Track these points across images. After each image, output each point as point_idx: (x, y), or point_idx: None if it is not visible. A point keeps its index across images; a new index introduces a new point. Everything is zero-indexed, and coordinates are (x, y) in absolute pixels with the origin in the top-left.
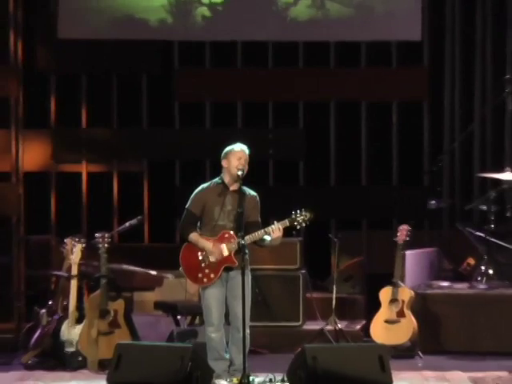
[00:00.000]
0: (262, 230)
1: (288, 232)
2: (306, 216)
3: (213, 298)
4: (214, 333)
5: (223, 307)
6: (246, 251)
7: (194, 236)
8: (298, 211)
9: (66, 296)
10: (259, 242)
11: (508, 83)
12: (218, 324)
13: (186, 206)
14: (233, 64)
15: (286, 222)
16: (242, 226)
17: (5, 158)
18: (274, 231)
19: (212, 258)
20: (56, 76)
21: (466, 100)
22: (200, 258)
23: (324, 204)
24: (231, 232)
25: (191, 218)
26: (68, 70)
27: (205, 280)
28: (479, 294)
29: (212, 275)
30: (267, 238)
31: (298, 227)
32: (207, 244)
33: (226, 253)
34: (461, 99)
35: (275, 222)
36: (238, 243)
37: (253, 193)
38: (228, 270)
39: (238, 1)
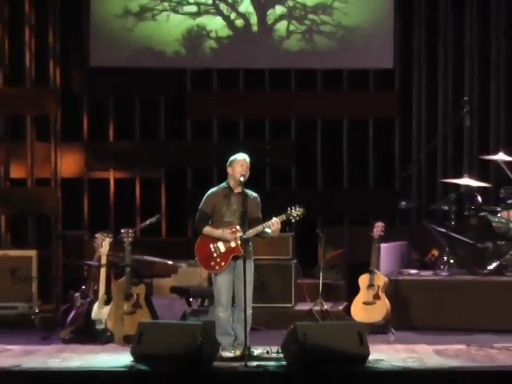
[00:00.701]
0: (263, 224)
1: (282, 227)
2: (299, 211)
3: (223, 283)
4: (222, 312)
5: (231, 291)
6: (250, 243)
7: (207, 229)
8: (293, 207)
9: (97, 282)
10: (261, 235)
11: (466, 104)
12: (227, 305)
13: (200, 207)
14: (236, 87)
15: (283, 217)
16: (246, 223)
17: (45, 167)
18: (274, 224)
19: (222, 247)
20: (88, 97)
21: (430, 117)
22: (212, 249)
23: (312, 204)
24: (237, 227)
25: (204, 217)
26: (98, 93)
27: (216, 267)
28: (442, 280)
29: (223, 263)
30: (268, 230)
31: (293, 221)
32: (220, 232)
33: (233, 244)
34: (426, 117)
35: (273, 218)
36: (241, 237)
37: (254, 194)
38: (235, 258)
39: (240, 35)
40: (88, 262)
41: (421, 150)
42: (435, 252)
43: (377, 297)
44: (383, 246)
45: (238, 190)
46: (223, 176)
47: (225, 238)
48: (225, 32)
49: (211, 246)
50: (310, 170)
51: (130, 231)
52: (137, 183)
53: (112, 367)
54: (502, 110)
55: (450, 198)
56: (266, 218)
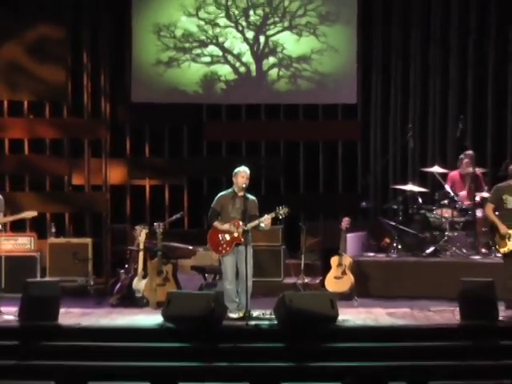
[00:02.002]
0: (258, 219)
1: (273, 222)
2: (285, 210)
3: (228, 263)
4: (229, 285)
5: (235, 269)
6: (249, 233)
7: (216, 223)
8: (280, 207)
9: (136, 262)
10: (257, 228)
11: (410, 130)
12: (232, 279)
13: (212, 205)
14: (239, 118)
15: (273, 214)
16: (246, 218)
17: (98, 176)
18: (266, 220)
19: (228, 236)
20: (130, 125)
21: (383, 140)
22: (220, 238)
23: (296, 204)
24: (240, 222)
25: (215, 213)
26: (137, 122)
27: (223, 251)
28: (392, 261)
29: (228, 248)
30: (262, 224)
31: (280, 217)
32: (226, 226)
33: (236, 234)
34: (380, 140)
35: (265, 215)
36: (243, 229)
37: (253, 197)
38: (238, 245)
39: (242, 79)
40: (130, 247)
41: (376, 165)
42: (387, 240)
43: (344, 273)
44: (349, 235)
45: (240, 193)
46: (230, 183)
47: (229, 230)
48: (231, 76)
49: (219, 235)
50: (295, 179)
51: (161, 224)
52: (166, 189)
53: (147, 325)
54: (437, 135)
55: (398, 199)
56: (261, 214)
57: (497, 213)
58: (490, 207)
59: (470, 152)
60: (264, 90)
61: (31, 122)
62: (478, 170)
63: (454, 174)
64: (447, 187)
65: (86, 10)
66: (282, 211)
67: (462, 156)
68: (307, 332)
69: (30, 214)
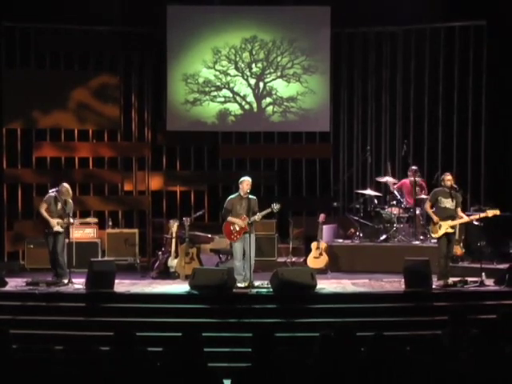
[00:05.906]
0: (257, 214)
1: (270, 217)
2: (278, 206)
3: (238, 247)
4: (238, 262)
5: (242, 250)
6: (253, 225)
7: (230, 218)
8: (275, 203)
9: (170, 246)
10: (259, 219)
11: (368, 150)
12: (240, 258)
13: (224, 206)
14: (245, 142)
15: (269, 210)
16: (250, 214)
17: (143, 184)
18: (260, 216)
19: (237, 227)
20: (166, 148)
21: (349, 157)
22: (231, 228)
23: (286, 204)
24: (245, 216)
25: (227, 211)
26: (171, 145)
27: (234, 239)
28: (356, 245)
29: (238, 236)
30: (260, 217)
31: (275, 212)
32: (237, 220)
33: (243, 225)
34: (347, 157)
35: (264, 210)
36: (248, 222)
37: (254, 196)
38: (245, 233)
39: (247, 113)
40: (165, 235)
41: (344, 175)
42: (352, 230)
43: (321, 254)
44: (325, 226)
45: (245, 196)
46: (238, 189)
47: (238, 223)
48: (239, 112)
49: (231, 227)
50: (285, 185)
51: (188, 219)
52: (191, 193)
53: (179, 292)
54: (388, 154)
55: (360, 201)
56: (261, 210)
57: (433, 209)
58: (428, 204)
59: (413, 167)
60: (263, 121)
61: (94, 145)
62: (421, 180)
63: (405, 181)
64: (395, 192)
65: (134, 63)
66: (276, 206)
67: (408, 170)
68: (294, 297)
69: (92, 220)
